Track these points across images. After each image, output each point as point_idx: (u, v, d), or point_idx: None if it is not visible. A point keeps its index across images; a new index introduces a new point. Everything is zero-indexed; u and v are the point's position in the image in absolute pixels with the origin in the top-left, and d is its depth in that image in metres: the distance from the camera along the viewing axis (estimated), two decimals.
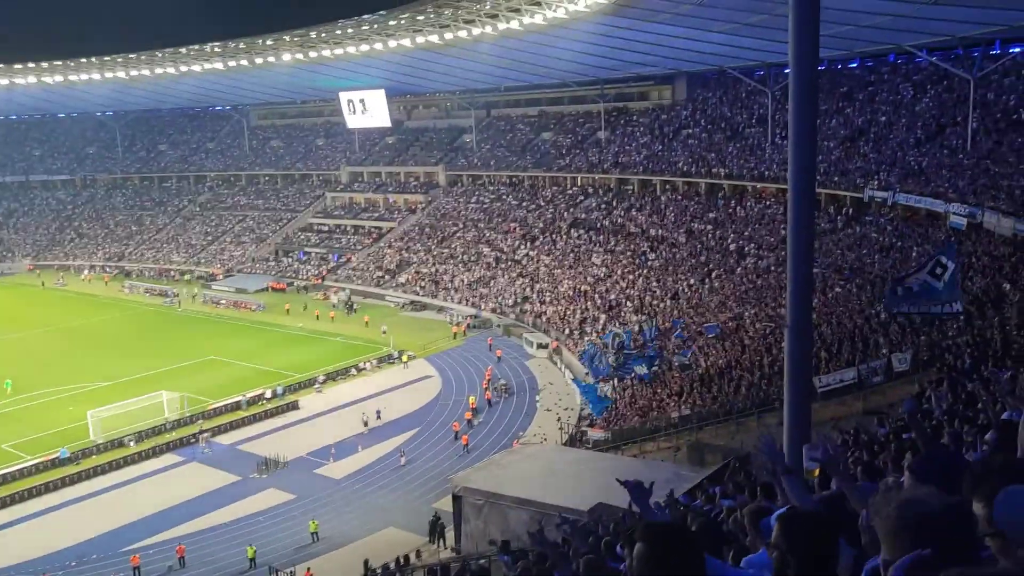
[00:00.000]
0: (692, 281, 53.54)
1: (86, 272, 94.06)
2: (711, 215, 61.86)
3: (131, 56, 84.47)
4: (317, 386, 50.58)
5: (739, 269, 52.27)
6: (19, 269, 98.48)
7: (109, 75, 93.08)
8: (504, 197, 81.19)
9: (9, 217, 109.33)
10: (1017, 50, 53.61)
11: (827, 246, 48.30)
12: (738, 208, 60.94)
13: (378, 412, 45.23)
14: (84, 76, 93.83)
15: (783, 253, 9.16)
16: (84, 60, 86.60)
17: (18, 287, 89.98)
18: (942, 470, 3.28)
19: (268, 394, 48.67)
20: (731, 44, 56.41)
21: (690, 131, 72.66)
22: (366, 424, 43.84)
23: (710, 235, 59.09)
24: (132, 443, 41.94)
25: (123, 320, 72.56)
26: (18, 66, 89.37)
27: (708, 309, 48.30)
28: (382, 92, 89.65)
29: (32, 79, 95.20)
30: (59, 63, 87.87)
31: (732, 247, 55.86)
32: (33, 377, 53.34)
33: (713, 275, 53.04)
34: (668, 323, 47.66)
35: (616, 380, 43.51)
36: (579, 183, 77.78)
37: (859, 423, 19.13)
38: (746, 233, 56.79)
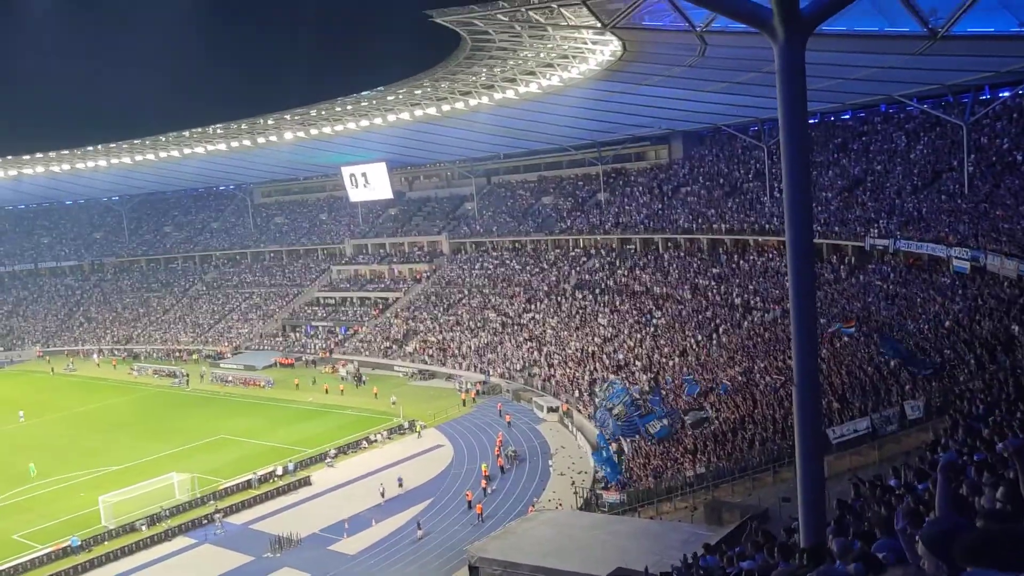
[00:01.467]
0: (699, 337, 53.43)
1: (95, 356, 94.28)
2: (714, 270, 62.05)
3: (136, 141, 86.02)
4: (328, 460, 50.23)
5: (745, 323, 52.19)
6: (29, 356, 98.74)
7: (115, 161, 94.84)
8: (508, 262, 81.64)
9: (18, 305, 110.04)
10: (1006, 94, 54.37)
11: (832, 296, 48.33)
12: (741, 262, 61.14)
13: (399, 480, 44.95)
14: (91, 163, 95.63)
15: (789, 305, 9.25)
16: (91, 148, 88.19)
17: (28, 374, 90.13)
18: (949, 543, 3.26)
19: (279, 471, 48.29)
20: (724, 102, 57.29)
21: (689, 188, 73.32)
22: (383, 495, 43.40)
23: (715, 290, 59.17)
24: (144, 527, 41.51)
25: (132, 403, 72.45)
26: (26, 156, 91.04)
27: (717, 364, 48.10)
28: (383, 165, 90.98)
29: (40, 168, 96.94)
30: (66, 151, 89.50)
31: (737, 301, 55.89)
32: (44, 464, 53.05)
33: (720, 330, 52.94)
34: (679, 380, 47.46)
35: (628, 439, 43.13)
36: (581, 245, 78.27)
37: (876, 473, 18.94)
38: (750, 287, 56.87)
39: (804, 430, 8.15)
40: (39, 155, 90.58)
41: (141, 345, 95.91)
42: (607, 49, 50.64)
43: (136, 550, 39.56)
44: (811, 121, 65.53)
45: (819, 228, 53.85)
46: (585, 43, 50.76)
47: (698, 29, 36.79)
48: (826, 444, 29.33)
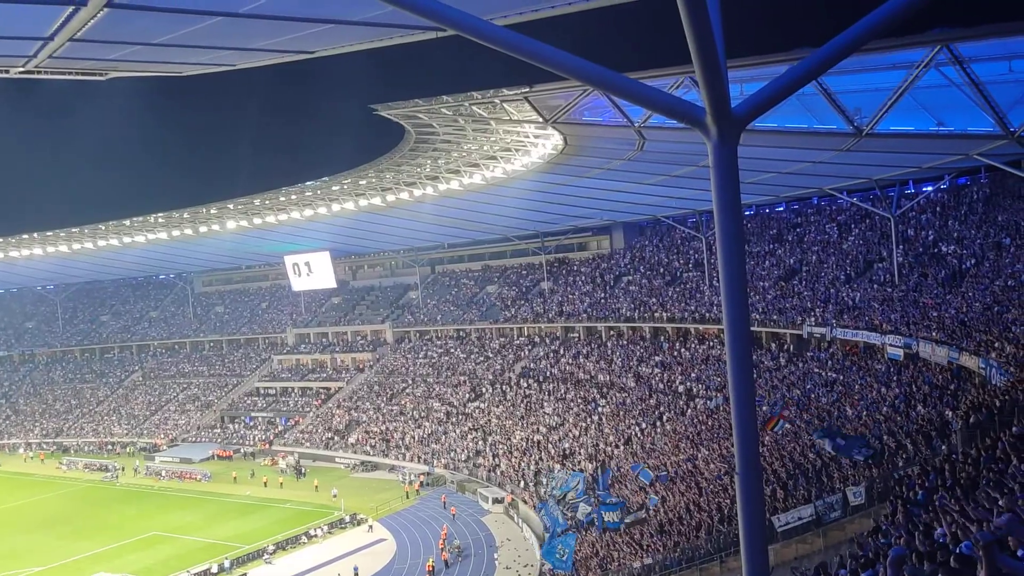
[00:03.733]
0: (644, 425, 53.54)
1: (22, 450, 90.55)
2: (657, 358, 62.62)
3: (74, 230, 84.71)
4: (267, 557, 48.51)
5: (689, 411, 52.52)
6: None
7: (51, 249, 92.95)
8: (452, 351, 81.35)
9: None
10: (929, 188, 56.97)
11: (773, 383, 49.04)
12: (683, 350, 61.86)
13: (355, 569, 43.64)
14: (25, 251, 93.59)
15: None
16: (26, 236, 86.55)
17: None
18: None
19: (215, 568, 46.46)
20: (663, 194, 58.76)
21: (630, 277, 74.47)
22: None
23: (658, 378, 59.62)
24: None
25: (59, 499, 69.39)
26: None
27: (662, 452, 48.11)
28: (327, 254, 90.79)
29: None
30: (0, 239, 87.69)
31: (680, 389, 56.31)
32: None
33: (664, 418, 53.16)
34: (625, 469, 47.24)
35: (575, 530, 42.55)
36: (526, 333, 78.53)
37: (821, 562, 18.95)
38: (693, 374, 57.44)
39: (748, 519, 8.18)
40: None
41: (72, 438, 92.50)
42: (549, 143, 51.83)
43: None
44: (747, 213, 67.58)
45: (757, 316, 54.99)
46: (528, 136, 51.91)
47: (636, 125, 37.98)
48: (771, 532, 29.35)
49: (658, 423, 52.90)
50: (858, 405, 40.30)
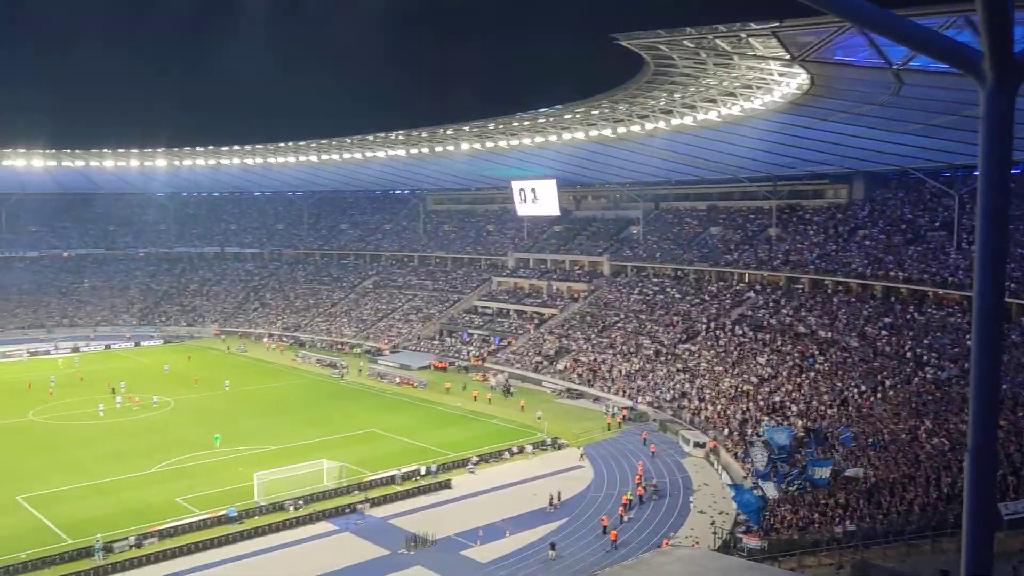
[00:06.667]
0: (863, 388, 50.76)
1: (266, 340, 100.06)
2: (886, 319, 58.84)
3: (323, 141, 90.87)
4: (470, 467, 50.99)
5: (916, 379, 49.16)
6: (207, 334, 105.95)
7: (303, 158, 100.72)
8: (668, 290, 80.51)
9: (203, 285, 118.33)
10: None
11: (1019, 360, 44.78)
12: (916, 314, 57.72)
13: (559, 493, 45.30)
14: (281, 159, 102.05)
15: (967, 365, 8.49)
16: (282, 144, 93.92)
17: (206, 350, 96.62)
18: None
19: (422, 471, 49.45)
20: (915, 144, 54.47)
21: (867, 231, 70.01)
22: (552, 503, 44.10)
23: (885, 340, 56.09)
24: (292, 508, 43.47)
25: (292, 388, 76.24)
26: (224, 148, 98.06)
27: (879, 419, 45.54)
28: (553, 182, 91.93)
29: (236, 160, 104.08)
30: (260, 146, 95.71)
31: (909, 355, 52.74)
32: (209, 436, 56.61)
33: (887, 383, 50.11)
34: (835, 429, 45.22)
35: (777, 485, 41.44)
36: (746, 279, 76.20)
37: None
38: (925, 341, 53.56)
39: (975, 502, 7.53)
40: (236, 148, 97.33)
41: (307, 334, 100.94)
42: (794, 82, 49.21)
43: (283, 528, 41.46)
44: (1012, 171, 61.32)
45: (1012, 286, 50.10)
46: (771, 74, 49.52)
47: (895, 67, 35.14)
48: (997, 520, 27.17)
49: (879, 388, 49.99)
50: None
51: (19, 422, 62.77)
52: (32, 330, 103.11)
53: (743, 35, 40.49)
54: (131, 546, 38.51)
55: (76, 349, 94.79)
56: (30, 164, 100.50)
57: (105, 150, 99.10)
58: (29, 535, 40.06)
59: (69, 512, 43.16)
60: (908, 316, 58.12)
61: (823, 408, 50.55)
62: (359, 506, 43.84)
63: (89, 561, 36.95)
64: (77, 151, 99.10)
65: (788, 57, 40.41)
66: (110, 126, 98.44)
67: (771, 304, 69.40)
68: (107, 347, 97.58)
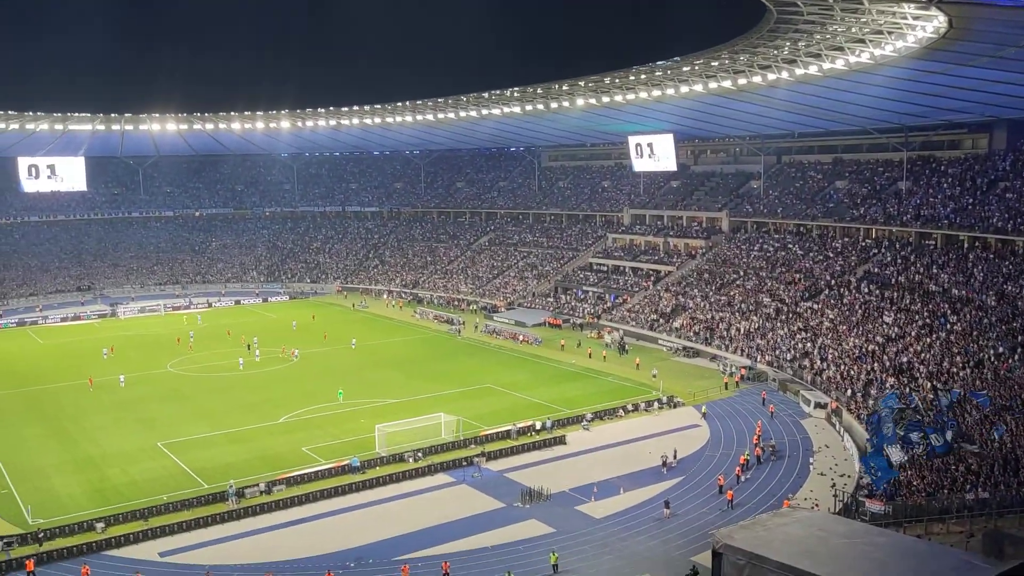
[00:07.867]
0: (1001, 349, 48.04)
1: (385, 296, 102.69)
2: None
3: (440, 100, 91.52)
4: (584, 423, 51.12)
5: None
6: (329, 291, 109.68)
7: (419, 117, 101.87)
8: (789, 246, 78.00)
9: (326, 243, 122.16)
10: None
11: None
12: None
13: (675, 452, 45.06)
14: (398, 118, 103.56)
15: None
16: (400, 104, 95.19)
17: (329, 306, 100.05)
18: None
19: (537, 426, 49.89)
20: None
21: (1008, 184, 65.78)
22: (665, 463, 43.79)
23: None
24: (411, 459, 44.67)
25: (411, 344, 78.02)
26: (344, 108, 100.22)
27: (1018, 381, 43.05)
28: (671, 136, 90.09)
29: (356, 120, 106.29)
30: (378, 106, 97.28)
31: None
32: (334, 390, 58.66)
33: None
34: (966, 393, 43.03)
35: (903, 449, 39.85)
36: (873, 235, 72.98)
37: None
38: None
39: None
40: (355, 108, 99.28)
41: (425, 291, 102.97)
42: (929, 25, 46.35)
43: (402, 479, 42.70)
44: None
45: None
46: (905, 18, 46.77)
47: None
48: None
49: (1019, 349, 47.20)
50: None
51: (159, 372, 66.65)
52: (169, 286, 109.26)
53: None
54: (261, 492, 40.47)
55: (209, 304, 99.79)
56: (164, 128, 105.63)
57: (232, 113, 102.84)
58: (170, 479, 42.70)
59: (205, 458, 45.67)
60: None
61: (955, 370, 48.18)
62: (475, 459, 44.67)
63: (223, 505, 39.05)
64: (207, 115, 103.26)
65: None
66: (238, 88, 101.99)
67: (899, 261, 66.31)
68: (237, 303, 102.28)
